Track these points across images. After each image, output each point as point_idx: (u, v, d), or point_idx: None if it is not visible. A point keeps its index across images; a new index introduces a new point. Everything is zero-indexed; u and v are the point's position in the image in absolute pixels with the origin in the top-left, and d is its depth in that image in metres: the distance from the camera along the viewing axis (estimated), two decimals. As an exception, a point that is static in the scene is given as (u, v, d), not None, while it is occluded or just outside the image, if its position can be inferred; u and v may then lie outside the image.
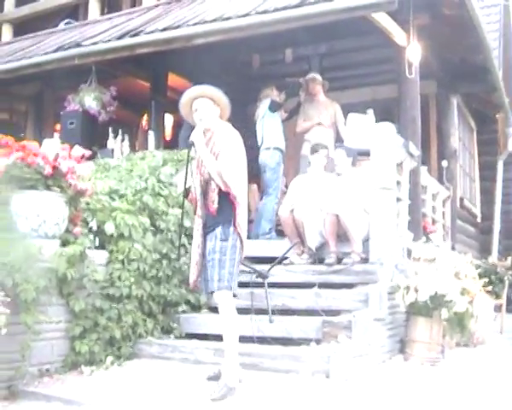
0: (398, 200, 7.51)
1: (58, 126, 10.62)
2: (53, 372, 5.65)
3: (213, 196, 5.13)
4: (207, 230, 5.22)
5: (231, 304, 5.14)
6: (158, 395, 4.97)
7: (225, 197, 5.08)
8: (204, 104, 5.33)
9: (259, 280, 6.80)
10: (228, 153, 5.11)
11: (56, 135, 9.94)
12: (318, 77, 9.22)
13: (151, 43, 8.52)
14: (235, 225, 5.13)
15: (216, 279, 5.07)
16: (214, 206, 5.12)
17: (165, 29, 8.51)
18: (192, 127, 9.10)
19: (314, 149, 7.92)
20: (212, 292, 5.15)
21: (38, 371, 5.54)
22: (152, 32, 8.62)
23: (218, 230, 5.12)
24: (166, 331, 6.60)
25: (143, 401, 4.86)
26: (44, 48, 10.01)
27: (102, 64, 9.38)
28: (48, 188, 5.93)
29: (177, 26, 8.42)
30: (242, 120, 10.42)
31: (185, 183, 5.38)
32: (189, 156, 5.20)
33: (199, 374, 5.32)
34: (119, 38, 8.84)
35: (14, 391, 5.20)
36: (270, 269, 6.80)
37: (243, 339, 6.32)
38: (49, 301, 5.70)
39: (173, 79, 10.33)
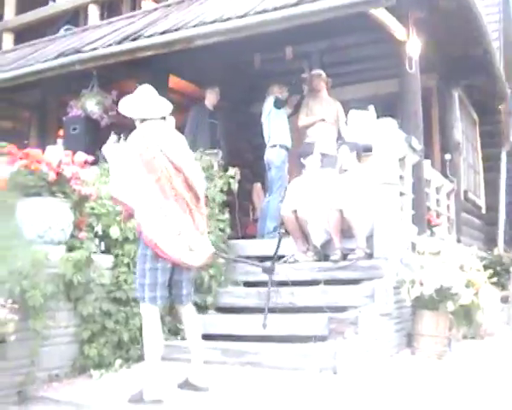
0: (402, 194, 7.53)
1: (61, 132, 10.65)
2: (62, 377, 5.70)
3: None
4: None
5: (147, 315, 5.04)
6: (165, 397, 4.99)
7: None
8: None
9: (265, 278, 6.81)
10: (113, 166, 5.17)
11: (60, 141, 9.96)
12: (323, 73, 9.25)
13: (151, 47, 8.54)
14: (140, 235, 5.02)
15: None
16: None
17: (164, 32, 8.53)
18: (200, 113, 9.10)
19: (306, 153, 7.98)
20: None
21: (48, 376, 5.58)
22: (151, 35, 8.63)
23: None
24: (174, 333, 6.64)
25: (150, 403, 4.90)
26: (45, 55, 10.04)
27: (103, 69, 9.40)
28: (52, 194, 5.97)
29: (177, 29, 8.44)
30: (246, 120, 10.50)
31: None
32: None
33: (206, 374, 5.34)
34: (119, 42, 8.86)
35: (24, 397, 5.24)
36: (273, 262, 6.74)
37: (250, 338, 6.39)
38: (57, 306, 5.75)
39: (174, 81, 10.34)
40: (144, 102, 5.18)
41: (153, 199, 4.89)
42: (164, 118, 5.25)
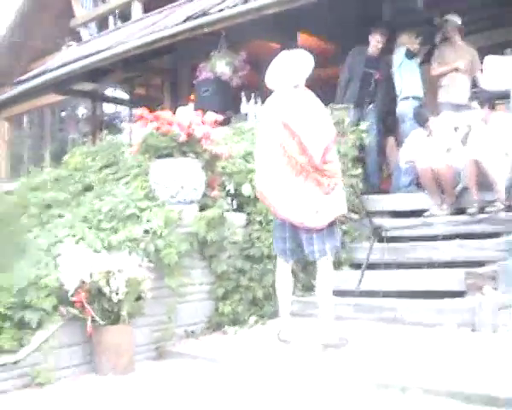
0: (543, 143, 7.15)
1: (193, 96, 10.80)
2: (198, 333, 5.85)
3: None
4: None
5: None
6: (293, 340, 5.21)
7: None
8: None
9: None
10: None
11: (191, 104, 10.10)
12: (454, 19, 8.81)
13: (276, 4, 8.45)
14: None
15: None
16: None
17: (289, -13, 8.41)
18: (354, 60, 8.72)
19: (421, 121, 7.87)
20: None
21: (184, 332, 5.75)
22: (277, -9, 8.54)
23: None
24: (307, 289, 6.61)
25: (283, 358, 4.97)
26: (174, 20, 10.18)
27: (232, 30, 9.42)
28: (183, 154, 6.08)
29: (303, -19, 8.30)
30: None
31: None
32: None
33: (340, 329, 5.32)
34: (245, 1, 8.83)
35: (161, 352, 5.42)
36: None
37: (384, 294, 6.30)
38: (192, 264, 5.88)
39: (304, 38, 10.23)
40: (274, 73, 5.36)
41: (266, 161, 5.19)
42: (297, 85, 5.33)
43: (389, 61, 8.94)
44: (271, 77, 5.37)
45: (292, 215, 5.10)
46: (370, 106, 8.74)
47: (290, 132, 5.08)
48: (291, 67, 5.31)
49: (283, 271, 5.41)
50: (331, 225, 5.21)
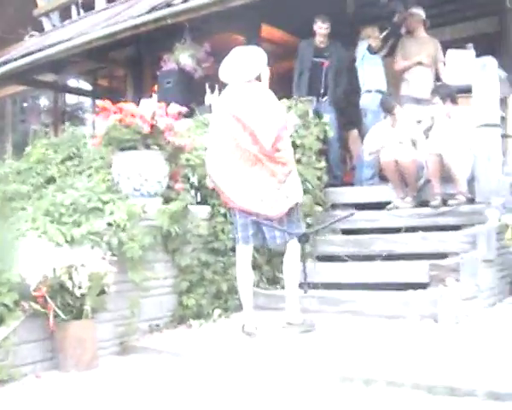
0: (505, 136, 7.21)
1: (156, 87, 10.73)
2: (162, 327, 5.80)
3: None
4: None
5: (236, 253, 5.58)
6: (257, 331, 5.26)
7: None
8: None
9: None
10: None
11: (155, 96, 10.04)
12: (418, 12, 8.80)
13: (241, -5, 8.42)
14: None
15: None
16: None
17: (254, -23, 8.37)
18: (305, 51, 8.62)
19: (387, 109, 7.84)
20: None
21: (148, 326, 5.70)
22: (242, -18, 8.50)
23: None
24: (272, 282, 6.63)
25: (247, 351, 4.96)
26: (138, 10, 10.09)
27: (196, 21, 9.37)
28: (147, 147, 6.03)
29: (267, -27, 8.28)
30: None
31: None
32: None
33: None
34: (210, -8, 8.78)
35: (125, 347, 5.37)
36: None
37: (348, 286, 6.33)
38: (155, 257, 5.83)
39: (267, 31, 10.22)
40: (228, 67, 5.52)
41: (220, 154, 5.36)
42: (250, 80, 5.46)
43: (339, 49, 8.91)
44: (225, 71, 5.52)
45: (250, 206, 5.27)
46: (325, 98, 8.71)
47: (242, 125, 5.26)
48: (244, 63, 5.45)
49: (244, 261, 5.46)
50: (290, 212, 5.36)
